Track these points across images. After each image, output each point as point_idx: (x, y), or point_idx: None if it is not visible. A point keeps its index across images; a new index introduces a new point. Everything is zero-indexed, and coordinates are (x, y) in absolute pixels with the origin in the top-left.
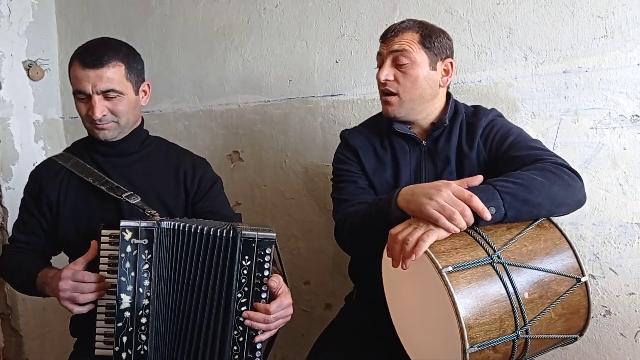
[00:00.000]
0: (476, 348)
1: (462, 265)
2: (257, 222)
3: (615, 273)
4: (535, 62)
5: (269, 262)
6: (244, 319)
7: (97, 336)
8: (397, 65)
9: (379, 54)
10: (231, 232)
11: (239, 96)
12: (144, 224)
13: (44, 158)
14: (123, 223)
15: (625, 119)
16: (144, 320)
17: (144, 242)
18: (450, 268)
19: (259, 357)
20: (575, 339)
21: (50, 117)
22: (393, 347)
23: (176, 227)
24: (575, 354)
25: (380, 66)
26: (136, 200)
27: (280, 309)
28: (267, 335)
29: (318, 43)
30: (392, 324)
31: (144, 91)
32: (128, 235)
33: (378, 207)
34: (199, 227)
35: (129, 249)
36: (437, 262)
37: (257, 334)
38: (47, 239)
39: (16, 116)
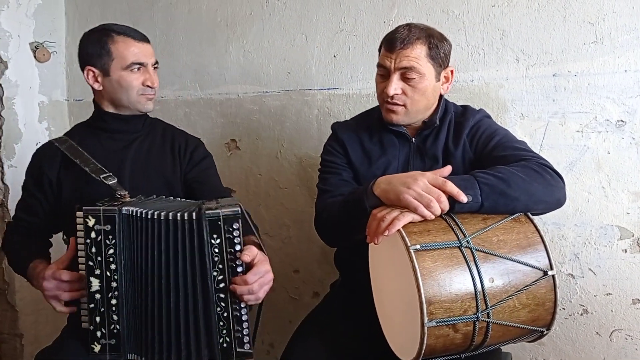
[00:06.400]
0: (435, 323)
1: (431, 246)
2: (250, 210)
3: (594, 273)
4: (527, 65)
5: (238, 236)
6: (224, 295)
7: (82, 311)
8: (404, 78)
9: (382, 65)
10: (194, 214)
11: (238, 86)
12: (105, 210)
13: (47, 138)
14: (85, 208)
15: (610, 123)
16: (114, 301)
17: (107, 227)
18: (418, 246)
19: (247, 327)
20: (542, 333)
21: (55, 98)
22: (373, 331)
23: (136, 214)
24: (552, 351)
25: (382, 75)
26: (112, 181)
27: (258, 277)
28: (252, 302)
29: (317, 37)
30: (373, 309)
31: None
32: (91, 222)
33: (354, 196)
34: (162, 213)
35: (93, 234)
36: (406, 239)
37: (240, 307)
38: (46, 219)
39: (21, 96)
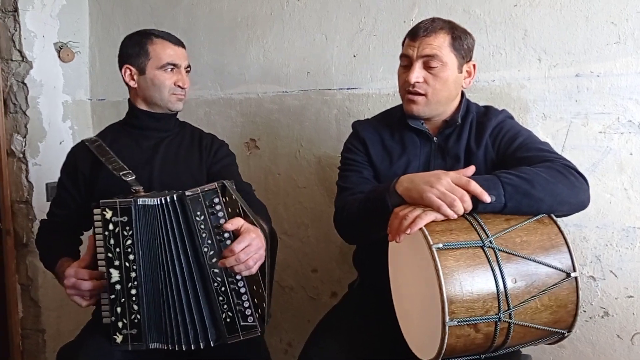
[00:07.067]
0: (456, 322)
1: (453, 245)
2: (268, 209)
3: (615, 276)
4: (549, 65)
5: (220, 210)
6: (219, 270)
7: (102, 306)
8: (426, 67)
9: (405, 55)
10: (175, 196)
11: (258, 86)
12: (121, 201)
13: (71, 137)
14: (102, 202)
15: (633, 124)
16: (134, 291)
17: (124, 219)
18: (440, 245)
19: (247, 300)
20: (563, 335)
21: (78, 98)
22: (391, 331)
23: (148, 203)
24: (572, 353)
25: (405, 66)
26: (130, 178)
27: (245, 244)
28: (246, 273)
29: (337, 37)
30: (391, 309)
31: None
32: (109, 214)
33: (376, 194)
34: (156, 199)
35: (110, 226)
36: (429, 238)
37: (236, 280)
38: (78, 214)
39: (45, 95)
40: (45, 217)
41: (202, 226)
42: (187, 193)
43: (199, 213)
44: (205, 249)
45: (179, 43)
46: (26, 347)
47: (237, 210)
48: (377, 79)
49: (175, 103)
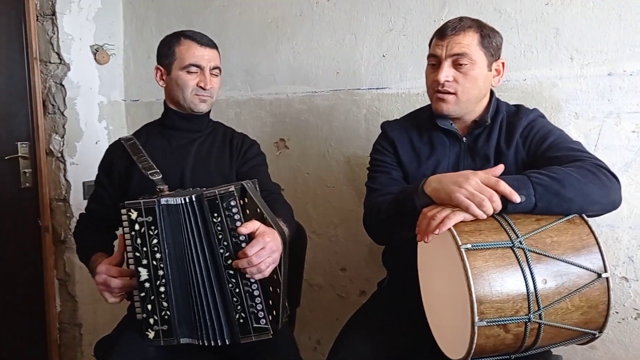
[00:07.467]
0: (485, 323)
1: (482, 245)
2: (297, 209)
3: None
4: (581, 64)
5: (237, 213)
6: (233, 271)
7: (135, 303)
8: (456, 65)
9: (433, 54)
10: (194, 196)
11: (288, 86)
12: (145, 202)
13: (106, 137)
14: (127, 203)
15: None
16: (162, 289)
17: (149, 219)
18: (469, 245)
19: (260, 303)
20: (594, 335)
21: (113, 99)
22: (420, 330)
23: (171, 203)
24: (604, 355)
25: (434, 65)
26: (157, 177)
27: (258, 248)
28: (258, 276)
29: (367, 37)
30: (421, 308)
31: None
32: (134, 215)
33: (405, 195)
34: (177, 199)
35: (137, 227)
36: (457, 238)
37: (250, 282)
38: (115, 209)
39: (82, 97)
40: (84, 212)
41: (219, 228)
42: (204, 194)
43: (216, 215)
44: (221, 250)
45: (208, 44)
46: (63, 341)
47: (258, 211)
48: (406, 79)
49: (198, 104)
